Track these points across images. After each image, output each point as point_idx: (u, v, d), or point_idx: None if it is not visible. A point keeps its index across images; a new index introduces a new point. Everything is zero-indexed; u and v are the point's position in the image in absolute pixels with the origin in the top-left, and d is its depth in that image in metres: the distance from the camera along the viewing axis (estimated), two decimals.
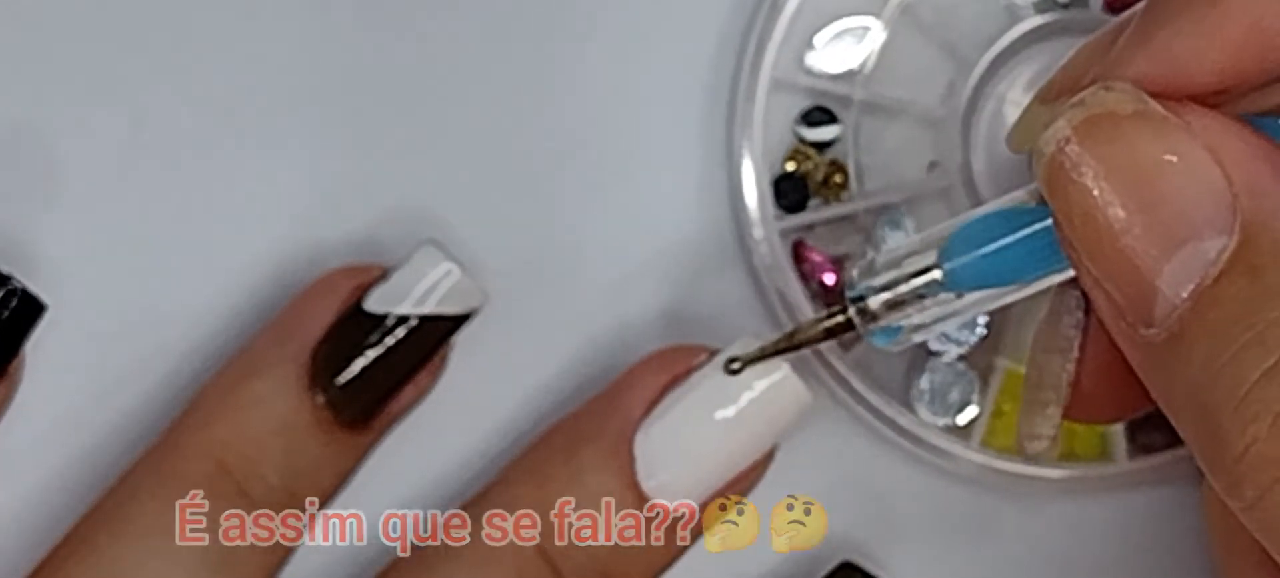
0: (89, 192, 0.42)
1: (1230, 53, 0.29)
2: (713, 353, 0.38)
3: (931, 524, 0.42)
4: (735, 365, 0.37)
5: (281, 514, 0.38)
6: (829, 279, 0.42)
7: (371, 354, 0.38)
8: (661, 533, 0.38)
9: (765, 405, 0.37)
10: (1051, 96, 0.31)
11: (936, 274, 0.32)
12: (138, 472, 0.38)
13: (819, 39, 0.42)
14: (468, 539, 0.38)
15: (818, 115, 0.42)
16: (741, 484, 0.38)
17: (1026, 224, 0.31)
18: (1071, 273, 0.30)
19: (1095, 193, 0.28)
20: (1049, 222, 0.30)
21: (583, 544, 0.37)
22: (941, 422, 0.42)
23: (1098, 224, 0.28)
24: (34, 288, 0.38)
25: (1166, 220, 0.28)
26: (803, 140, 0.42)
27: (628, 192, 0.42)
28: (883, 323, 0.33)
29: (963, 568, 0.42)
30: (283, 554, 0.39)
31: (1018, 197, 0.31)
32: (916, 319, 0.32)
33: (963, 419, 0.42)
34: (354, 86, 0.42)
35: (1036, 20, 0.42)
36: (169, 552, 0.37)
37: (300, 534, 0.39)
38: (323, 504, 0.39)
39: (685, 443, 0.37)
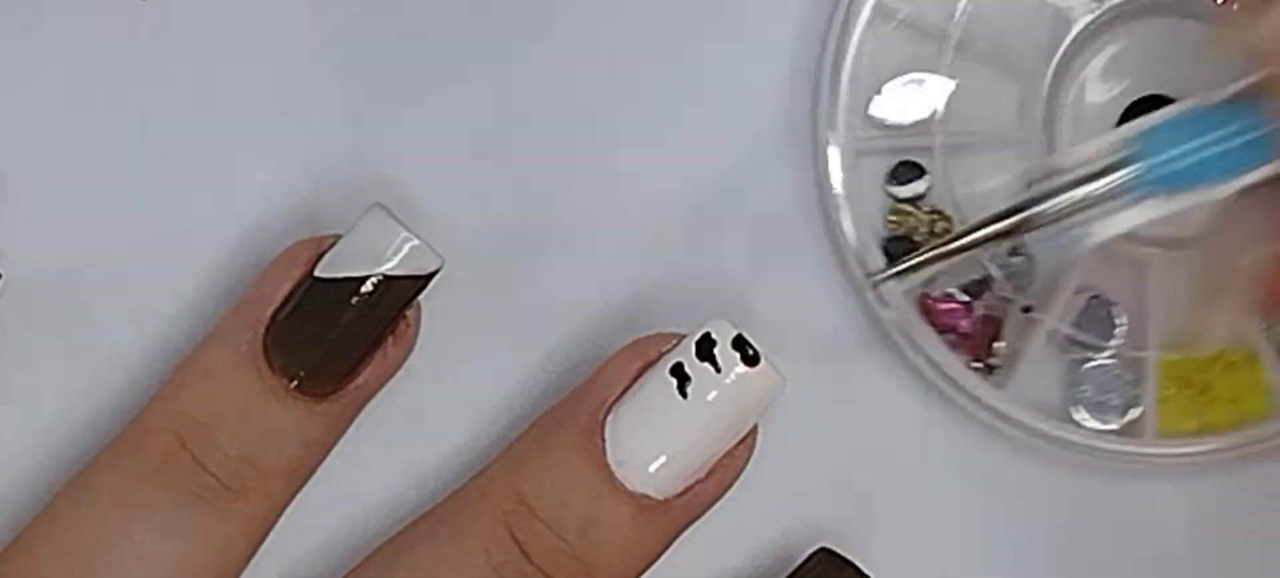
0: (73, 186, 0.42)
1: None
2: (681, 337, 0.38)
3: (1111, 524, 0.42)
4: (882, 278, 0.37)
5: (244, 485, 0.37)
6: (965, 325, 0.42)
7: (320, 317, 0.37)
8: (640, 520, 0.37)
9: (733, 386, 0.37)
10: None
11: (1117, 175, 0.32)
12: (105, 450, 0.38)
13: (882, 101, 0.42)
14: (442, 522, 0.38)
15: (903, 171, 0.42)
16: (724, 473, 0.38)
17: (1224, 124, 0.31)
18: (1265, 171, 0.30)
19: None
20: (1247, 121, 0.30)
21: (553, 527, 0.37)
22: (1111, 426, 0.42)
23: None
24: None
25: None
26: (896, 199, 0.42)
27: (750, 289, 0.42)
28: (1047, 231, 0.33)
29: (1161, 560, 0.42)
30: (252, 525, 0.38)
31: (1210, 99, 0.31)
32: (1079, 224, 0.33)
33: (1132, 416, 0.42)
34: (351, 77, 0.42)
35: (1087, 17, 0.42)
36: (128, 524, 0.37)
37: (271, 507, 0.38)
38: (296, 478, 0.38)
39: (653, 425, 0.37)
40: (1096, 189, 0.32)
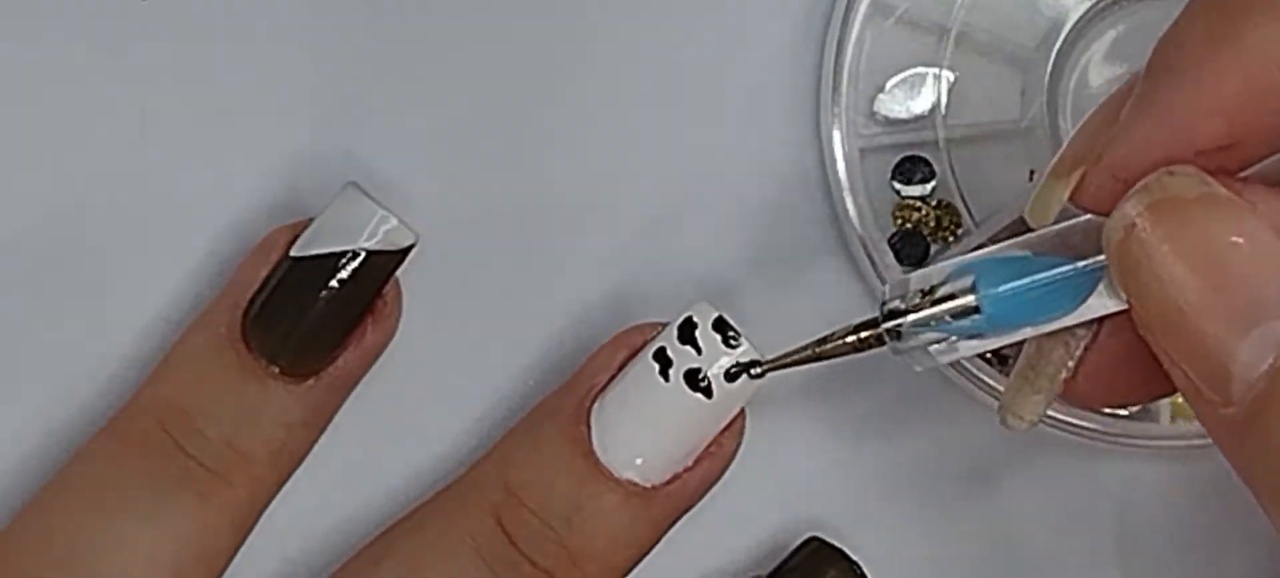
0: (65, 181, 0.42)
1: (1232, 106, 0.30)
2: (664, 326, 0.38)
3: (1126, 509, 0.42)
4: (757, 372, 0.37)
5: (227, 469, 0.38)
6: None
7: (297, 297, 0.38)
8: (626, 508, 0.37)
9: (715, 369, 0.37)
10: (1065, 170, 0.32)
11: (970, 300, 0.33)
12: (90, 440, 0.38)
13: (884, 97, 0.42)
14: (432, 514, 0.38)
15: (908, 165, 0.42)
16: (713, 461, 0.38)
17: (1054, 265, 0.32)
18: (1108, 310, 0.31)
19: (1166, 277, 0.29)
20: (1082, 263, 0.31)
21: (539, 515, 0.37)
22: (1126, 411, 0.42)
23: (1170, 307, 0.29)
24: None
25: (1237, 302, 0.29)
26: (902, 196, 0.42)
27: (756, 287, 0.42)
28: (910, 345, 0.34)
29: (1178, 544, 0.42)
30: (236, 511, 0.38)
31: (1047, 237, 0.33)
32: (942, 345, 0.34)
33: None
34: (342, 72, 0.42)
35: (1086, 4, 0.42)
36: (111, 511, 0.37)
37: (256, 492, 0.38)
38: (281, 463, 0.39)
39: (637, 410, 0.37)
40: (937, 313, 0.33)
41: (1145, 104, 0.31)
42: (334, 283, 0.38)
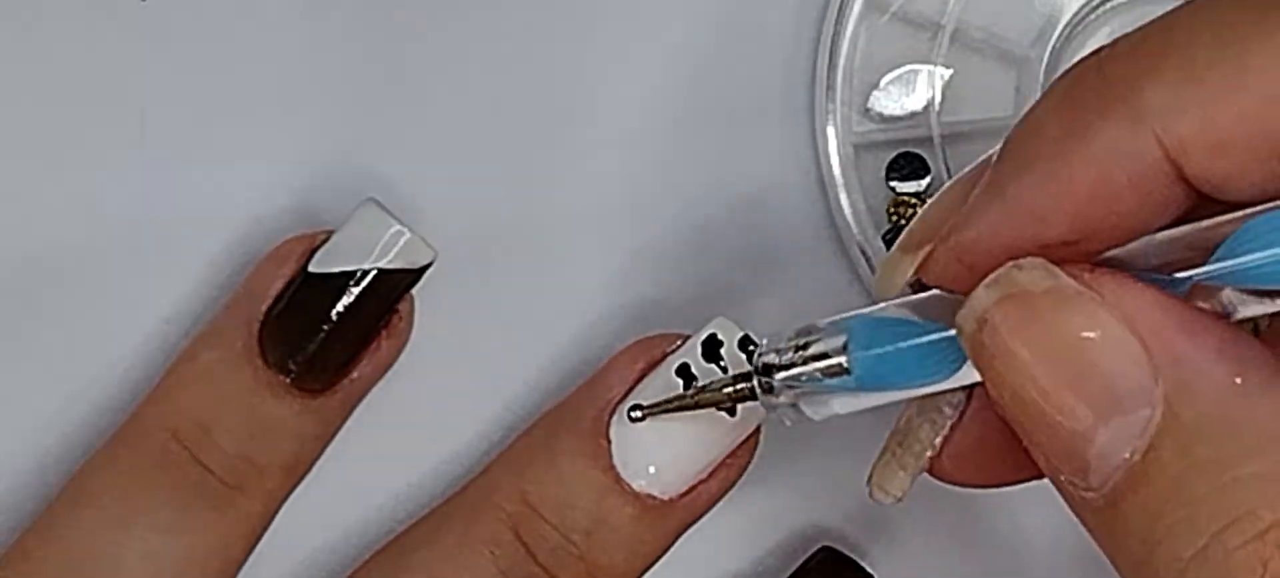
0: (70, 184, 0.41)
1: (1080, 204, 0.30)
2: (685, 338, 0.38)
3: None
4: (636, 414, 0.36)
5: (242, 482, 0.38)
6: None
7: (313, 312, 0.38)
8: (644, 520, 0.37)
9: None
10: (913, 245, 0.32)
11: (842, 360, 0.32)
12: (101, 451, 0.38)
13: (879, 94, 0.42)
14: (446, 524, 0.38)
15: (903, 162, 0.42)
16: (728, 472, 0.38)
17: (931, 331, 0.31)
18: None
19: (1019, 372, 0.29)
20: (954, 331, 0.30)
21: (559, 528, 0.37)
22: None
23: (1026, 399, 0.29)
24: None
25: (1091, 395, 0.28)
26: (897, 192, 0.42)
27: (751, 286, 0.42)
28: (784, 400, 0.33)
29: None
30: (251, 523, 0.38)
31: (933, 300, 0.32)
32: (815, 401, 0.33)
33: None
34: (347, 76, 0.42)
35: (1079, 1, 0.42)
36: (124, 523, 0.37)
37: (268, 502, 0.38)
38: (294, 473, 0.39)
39: (659, 426, 0.37)
40: (808, 371, 0.32)
41: (994, 192, 0.30)
42: (352, 301, 0.37)
